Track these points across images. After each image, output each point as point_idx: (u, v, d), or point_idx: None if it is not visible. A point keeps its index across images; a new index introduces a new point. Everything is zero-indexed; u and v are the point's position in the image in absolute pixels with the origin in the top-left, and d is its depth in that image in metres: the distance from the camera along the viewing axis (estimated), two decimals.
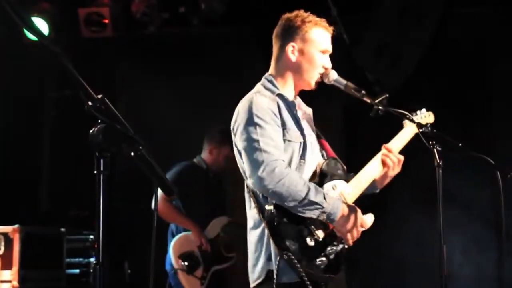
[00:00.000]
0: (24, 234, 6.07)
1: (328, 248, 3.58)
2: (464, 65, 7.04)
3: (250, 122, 3.57)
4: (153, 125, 7.23)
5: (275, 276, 3.50)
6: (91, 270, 6.64)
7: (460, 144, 3.78)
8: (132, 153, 2.26)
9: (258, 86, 3.79)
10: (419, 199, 6.63)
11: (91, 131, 2.20)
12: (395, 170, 3.88)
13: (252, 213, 3.70)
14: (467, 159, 3.98)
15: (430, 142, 3.66)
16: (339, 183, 3.72)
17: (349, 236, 3.60)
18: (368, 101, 3.72)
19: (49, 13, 7.39)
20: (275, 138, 3.57)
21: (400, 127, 4.03)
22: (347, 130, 7.26)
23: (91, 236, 6.74)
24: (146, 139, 2.32)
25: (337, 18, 6.56)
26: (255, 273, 3.66)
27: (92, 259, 6.66)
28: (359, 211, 3.65)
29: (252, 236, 3.70)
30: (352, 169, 3.94)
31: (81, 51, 7.34)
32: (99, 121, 2.21)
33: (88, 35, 7.57)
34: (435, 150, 3.63)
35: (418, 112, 4.23)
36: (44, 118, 8.16)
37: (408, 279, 7.04)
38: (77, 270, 6.64)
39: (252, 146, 3.53)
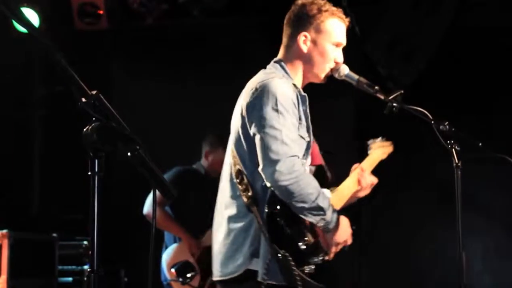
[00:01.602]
0: (13, 240, 6.07)
1: (314, 257, 3.58)
2: (483, 57, 7.01)
3: (274, 107, 3.50)
4: (151, 122, 7.22)
5: (261, 276, 3.47)
6: (85, 278, 6.63)
7: (480, 144, 3.77)
8: (128, 153, 2.24)
9: (272, 69, 3.73)
10: (436, 202, 6.61)
11: (84, 129, 2.18)
12: (365, 191, 3.89)
13: (238, 202, 3.62)
14: (487, 160, 3.96)
15: (448, 142, 3.64)
16: (326, 193, 3.71)
17: (334, 248, 3.61)
18: (382, 97, 3.70)
19: (40, 3, 7.38)
20: (294, 131, 3.54)
21: (419, 125, 4.00)
22: (359, 129, 7.25)
23: (85, 242, 6.74)
24: (143, 138, 2.30)
25: (347, 9, 6.55)
26: (229, 267, 3.60)
27: (86, 267, 6.66)
28: (348, 226, 3.66)
29: (233, 226, 3.62)
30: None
31: (73, 45, 7.32)
32: (93, 119, 2.19)
33: (82, 27, 7.56)
34: (453, 150, 3.62)
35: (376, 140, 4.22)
36: (34, 116, 8.15)
37: (426, 287, 7.02)
38: (70, 278, 6.64)
39: (272, 135, 3.47)
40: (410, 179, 6.64)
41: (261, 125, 3.51)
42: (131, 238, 7.09)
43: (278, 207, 3.50)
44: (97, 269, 2.18)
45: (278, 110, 3.50)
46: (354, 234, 3.72)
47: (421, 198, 6.84)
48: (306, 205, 3.47)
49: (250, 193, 3.57)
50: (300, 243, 3.53)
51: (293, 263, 3.43)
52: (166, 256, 6.06)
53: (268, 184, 3.49)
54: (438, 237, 6.83)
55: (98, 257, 2.20)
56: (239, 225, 3.60)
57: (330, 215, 3.52)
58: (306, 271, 3.53)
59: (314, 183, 3.51)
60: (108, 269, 6.64)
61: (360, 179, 3.86)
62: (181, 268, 5.97)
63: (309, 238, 3.56)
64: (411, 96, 3.85)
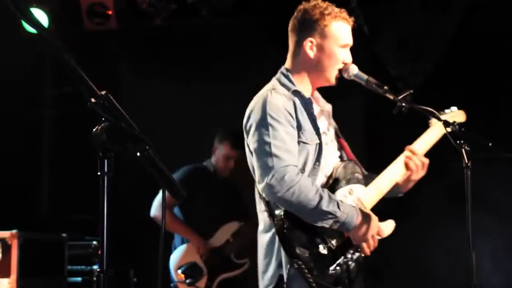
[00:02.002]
0: (22, 240, 6.07)
1: (343, 257, 3.56)
2: (492, 58, 6.99)
3: (263, 122, 3.54)
4: (159, 122, 7.22)
5: (284, 285, 3.48)
6: (94, 278, 6.64)
7: (490, 144, 3.75)
8: (138, 153, 2.24)
9: (274, 82, 3.76)
10: (446, 202, 6.59)
11: (94, 130, 2.19)
12: (419, 173, 3.85)
13: (263, 216, 3.70)
14: (497, 160, 3.95)
15: (458, 142, 3.63)
16: (356, 188, 3.70)
17: (365, 244, 3.58)
18: (391, 97, 3.69)
19: (49, 3, 7.39)
20: (288, 141, 3.53)
21: (427, 126, 4.00)
22: (368, 130, 7.23)
23: (94, 242, 6.74)
24: (151, 138, 2.30)
25: (357, 9, 6.54)
26: (265, 280, 3.66)
27: (96, 267, 6.66)
28: (375, 218, 3.64)
29: (263, 240, 3.69)
30: (373, 171, 3.92)
31: (82, 45, 7.33)
32: (103, 119, 2.20)
33: (91, 28, 7.57)
34: (463, 150, 3.60)
35: (446, 110, 4.17)
36: (43, 116, 8.16)
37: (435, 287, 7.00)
38: (79, 278, 6.64)
39: (262, 149, 3.51)
40: (419, 179, 6.61)
41: (254, 141, 3.56)
42: (140, 238, 7.10)
43: (288, 218, 3.51)
44: (106, 269, 2.18)
45: (268, 123, 3.53)
46: None
47: (431, 198, 6.82)
48: (309, 212, 3.47)
49: (267, 208, 3.62)
50: (321, 248, 3.52)
51: (306, 271, 3.43)
52: (174, 257, 6.05)
53: (266, 199, 3.52)
54: (448, 237, 6.81)
55: (108, 257, 2.20)
56: (266, 238, 3.67)
57: (344, 216, 3.50)
58: (330, 273, 3.52)
59: (314, 189, 3.48)
60: (117, 269, 6.65)
61: (408, 162, 3.83)
62: (188, 269, 5.96)
63: (332, 241, 3.54)
64: (421, 96, 3.84)
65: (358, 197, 3.67)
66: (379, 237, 3.64)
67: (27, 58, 7.40)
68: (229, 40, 7.70)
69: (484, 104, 6.84)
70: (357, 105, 7.22)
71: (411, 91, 3.70)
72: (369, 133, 7.20)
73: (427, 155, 3.91)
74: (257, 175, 3.55)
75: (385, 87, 3.72)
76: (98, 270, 2.21)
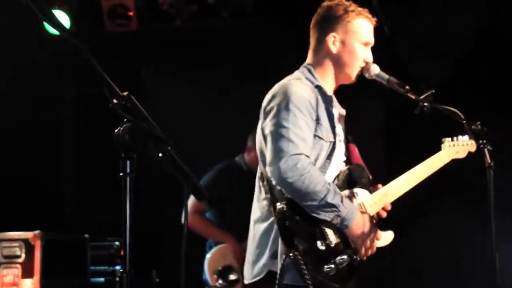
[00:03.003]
0: (46, 241, 6.10)
1: (339, 257, 3.56)
2: None
3: (285, 107, 3.54)
4: (180, 123, 7.22)
5: (278, 277, 3.47)
6: (117, 279, 6.66)
7: None
8: (160, 154, 2.25)
9: (298, 74, 3.76)
10: (468, 203, 6.55)
11: (116, 130, 2.19)
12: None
13: (261, 205, 3.67)
14: None
15: (480, 142, 3.61)
16: (360, 192, 3.71)
17: (362, 247, 3.59)
18: (413, 97, 3.68)
19: (71, 5, 7.42)
20: (306, 130, 3.54)
21: (450, 126, 3.97)
22: (389, 131, 7.20)
23: (116, 243, 6.75)
24: (173, 138, 2.31)
25: (378, 8, 6.52)
26: (254, 270, 3.65)
27: (118, 267, 6.68)
28: (375, 223, 3.66)
29: (257, 229, 3.67)
30: (393, 174, 3.91)
31: (104, 46, 7.36)
32: (125, 120, 2.20)
33: (112, 29, 7.59)
34: (485, 150, 3.58)
35: (459, 137, 4.12)
36: (65, 117, 8.20)
37: None
38: (102, 279, 6.66)
39: (279, 133, 3.51)
40: (441, 180, 6.58)
41: (272, 125, 3.56)
42: (163, 238, 7.12)
43: (291, 207, 3.50)
44: (129, 269, 2.19)
45: (289, 109, 3.53)
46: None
47: (454, 199, 6.79)
48: (315, 203, 3.47)
49: (269, 195, 3.59)
50: (318, 243, 3.52)
51: (302, 262, 3.42)
52: (209, 259, 5.97)
53: (274, 182, 3.50)
54: (471, 238, 6.76)
55: (130, 257, 2.21)
56: (262, 228, 3.65)
57: (345, 211, 3.51)
58: (325, 270, 3.50)
59: (322, 180, 3.48)
60: (140, 269, 6.67)
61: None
62: (223, 272, 5.89)
63: (330, 238, 3.55)
64: (443, 95, 3.82)
65: (362, 202, 3.68)
66: (378, 244, 3.64)
67: (48, 60, 7.44)
68: (250, 40, 7.70)
69: (507, 104, 6.80)
70: (378, 107, 7.19)
71: (433, 91, 3.69)
72: (390, 135, 7.16)
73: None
74: (268, 158, 3.53)
75: (407, 87, 3.71)
76: (121, 270, 2.22)
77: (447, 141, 4.04)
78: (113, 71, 2.36)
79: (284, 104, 3.55)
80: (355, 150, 3.86)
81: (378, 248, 3.71)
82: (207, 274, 5.91)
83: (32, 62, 7.14)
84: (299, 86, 3.61)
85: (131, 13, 7.55)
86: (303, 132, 3.52)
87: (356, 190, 3.70)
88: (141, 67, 8.14)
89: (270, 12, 7.57)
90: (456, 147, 4.02)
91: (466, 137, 4.02)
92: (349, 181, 3.69)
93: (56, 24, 2.19)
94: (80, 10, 7.51)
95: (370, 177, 3.81)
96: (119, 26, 7.59)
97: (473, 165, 3.74)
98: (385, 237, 3.73)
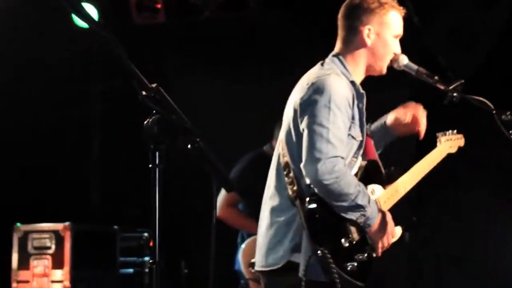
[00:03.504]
0: (75, 232, 6.16)
1: (360, 254, 3.56)
2: None
3: (326, 104, 3.50)
4: (208, 116, 7.24)
5: (302, 271, 3.47)
6: (146, 270, 6.69)
7: None
8: (189, 146, 2.25)
9: (331, 66, 3.71)
10: (498, 194, 6.51)
11: (145, 122, 2.21)
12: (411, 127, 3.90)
13: (283, 194, 3.64)
14: None
15: (511, 132, 3.58)
16: (377, 189, 3.72)
17: (380, 244, 3.59)
18: (442, 87, 3.66)
19: None
20: (343, 130, 3.52)
21: (475, 116, 3.95)
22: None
23: (145, 234, 6.79)
24: (202, 131, 2.31)
25: None
26: (269, 259, 3.64)
27: (147, 258, 6.71)
28: (391, 220, 3.65)
29: (275, 218, 3.65)
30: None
31: (132, 39, 7.38)
32: (154, 111, 2.21)
33: (140, 22, 7.61)
34: None
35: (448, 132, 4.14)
36: (94, 109, 8.25)
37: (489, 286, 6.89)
38: (131, 270, 6.69)
39: (319, 132, 3.47)
40: (470, 171, 6.55)
41: (311, 121, 3.51)
42: (192, 229, 7.14)
43: (320, 204, 3.50)
44: (159, 260, 2.21)
45: (330, 107, 3.50)
46: (415, 226, 3.70)
47: (483, 190, 6.74)
48: (345, 204, 3.47)
49: (295, 187, 3.57)
50: (342, 240, 3.53)
51: (331, 260, 3.42)
52: (244, 252, 5.95)
53: (308, 181, 3.50)
54: (499, 231, 6.73)
55: (160, 248, 2.22)
56: (281, 218, 3.63)
57: (370, 211, 3.52)
58: (348, 268, 3.52)
59: (354, 182, 3.50)
60: (169, 260, 6.70)
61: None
62: None
63: (353, 235, 3.55)
64: (472, 86, 3.80)
65: (378, 198, 3.68)
66: (393, 239, 3.65)
67: (76, 53, 7.48)
68: (278, 32, 7.67)
69: None
70: (404, 98, 7.14)
71: (462, 81, 3.67)
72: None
73: (476, 147, 3.87)
74: (305, 155, 3.49)
75: (436, 77, 3.69)
76: (150, 261, 2.24)
77: (441, 136, 4.06)
78: (141, 64, 2.37)
79: (325, 101, 3.50)
80: (370, 143, 3.84)
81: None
82: (242, 266, 5.91)
83: (60, 55, 7.18)
84: (339, 83, 3.58)
85: (158, 6, 7.56)
86: (341, 133, 3.51)
87: (373, 186, 3.70)
88: (169, 59, 8.15)
89: (299, 3, 7.53)
90: (449, 142, 4.06)
91: (455, 131, 4.06)
92: (365, 177, 3.68)
93: (85, 16, 2.20)
94: (107, 3, 7.54)
95: (384, 172, 3.81)
96: (146, 19, 7.61)
97: (503, 154, 3.72)
98: (397, 233, 3.74)
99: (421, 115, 3.92)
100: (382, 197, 3.70)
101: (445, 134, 4.09)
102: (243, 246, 5.97)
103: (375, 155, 3.83)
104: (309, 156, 3.48)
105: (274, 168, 3.74)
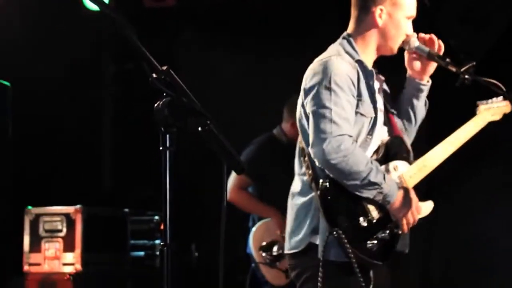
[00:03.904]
0: (86, 215, 6.18)
1: (381, 231, 3.56)
2: None
3: (327, 86, 3.54)
4: (220, 98, 7.22)
5: (321, 252, 3.49)
6: (157, 253, 6.71)
7: None
8: (199, 128, 2.25)
9: (337, 48, 3.72)
10: (504, 178, 6.50)
11: (155, 105, 2.21)
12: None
13: (302, 178, 3.69)
14: None
15: None
16: (401, 165, 3.71)
17: (404, 221, 3.58)
18: (454, 69, 3.65)
19: None
20: (348, 109, 3.54)
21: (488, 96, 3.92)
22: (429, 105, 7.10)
23: (156, 217, 6.80)
24: (212, 113, 2.31)
25: None
26: (291, 242, 3.68)
27: (158, 241, 6.74)
28: (415, 196, 3.63)
29: (296, 202, 3.71)
30: (433, 143, 3.89)
31: (142, 21, 7.36)
32: (164, 94, 2.21)
33: (150, 5, 7.60)
34: None
35: (493, 99, 4.06)
36: (104, 93, 8.25)
37: (497, 267, 6.87)
38: (142, 253, 6.72)
39: (322, 113, 3.51)
40: (480, 153, 6.52)
41: (313, 104, 3.56)
42: (203, 212, 7.14)
43: (334, 185, 3.52)
44: (170, 243, 2.21)
45: (331, 88, 3.52)
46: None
47: (492, 173, 6.73)
48: (357, 182, 3.49)
49: (310, 171, 3.61)
50: (361, 219, 3.53)
51: (345, 240, 3.44)
52: (254, 235, 5.94)
53: (317, 163, 3.51)
54: (507, 213, 6.70)
55: (171, 231, 2.23)
56: (301, 201, 3.68)
57: (387, 188, 3.52)
58: (368, 247, 3.53)
59: (365, 160, 3.50)
60: (179, 243, 6.73)
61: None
62: (268, 248, 5.87)
63: (372, 213, 3.56)
64: (484, 68, 3.78)
65: (402, 175, 3.68)
66: (419, 216, 3.64)
67: (87, 36, 7.47)
68: (292, 8, 7.61)
69: None
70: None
71: (474, 63, 3.65)
72: (430, 109, 7.06)
73: (486, 130, 3.85)
74: (311, 139, 3.54)
75: (447, 59, 3.68)
76: (161, 244, 2.24)
77: (481, 104, 4.00)
78: (151, 47, 2.37)
79: (326, 82, 3.54)
80: (394, 121, 3.85)
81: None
82: (252, 249, 5.91)
83: (71, 39, 7.18)
84: (340, 63, 3.60)
85: None
86: (345, 111, 3.52)
87: (396, 162, 3.69)
88: (179, 41, 8.13)
89: None
90: (491, 110, 3.98)
91: (500, 98, 3.98)
92: (389, 154, 3.69)
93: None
94: None
95: (410, 148, 3.80)
96: (157, 2, 7.59)
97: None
98: (425, 208, 3.73)
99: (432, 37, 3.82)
100: (407, 172, 3.70)
101: (486, 103, 4.00)
102: (253, 229, 5.97)
103: (399, 132, 3.83)
104: (314, 138, 3.52)
105: (296, 154, 3.77)
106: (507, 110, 4.01)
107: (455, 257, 6.95)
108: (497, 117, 4.00)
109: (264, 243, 5.87)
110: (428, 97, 3.94)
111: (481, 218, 6.79)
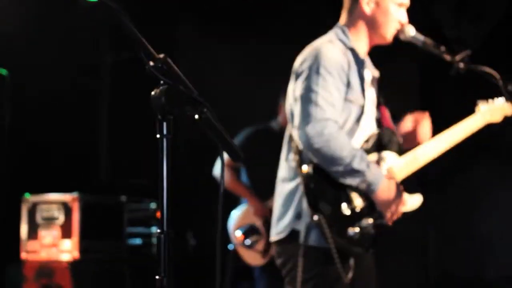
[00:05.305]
0: (83, 203, 6.19)
1: (364, 221, 3.56)
2: None
3: (316, 71, 3.55)
4: (217, 88, 7.21)
5: (302, 238, 3.49)
6: (153, 240, 6.73)
7: None
8: (196, 116, 2.25)
9: (331, 35, 3.74)
10: (504, 165, 6.50)
11: (153, 92, 2.20)
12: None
13: (288, 165, 3.69)
14: None
15: None
16: (389, 156, 3.70)
17: (388, 212, 3.57)
18: (448, 58, 3.65)
19: None
20: (335, 95, 3.54)
21: (487, 88, 3.92)
22: (424, 94, 7.12)
23: (153, 205, 6.82)
24: (210, 100, 2.31)
25: None
26: (277, 227, 3.70)
27: (154, 229, 6.75)
28: (402, 188, 3.63)
29: (283, 188, 3.71)
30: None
31: (138, 8, 7.33)
32: (161, 82, 2.21)
33: None
34: None
35: (494, 99, 4.06)
36: (101, 81, 8.24)
37: (493, 258, 6.88)
38: (139, 240, 6.73)
39: (308, 97, 3.52)
40: (477, 142, 6.52)
41: (301, 88, 3.57)
42: (199, 200, 7.15)
43: (317, 171, 3.52)
44: (167, 230, 2.21)
45: (319, 72, 3.54)
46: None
47: (489, 161, 6.73)
48: (340, 169, 3.48)
49: (297, 157, 3.60)
50: (343, 206, 3.53)
51: (325, 225, 3.44)
52: (232, 219, 6.06)
53: (300, 146, 3.51)
54: (506, 202, 6.72)
55: (168, 218, 2.23)
56: (287, 187, 3.68)
57: (371, 176, 3.51)
58: (349, 234, 3.52)
59: (349, 146, 3.48)
60: (176, 231, 6.73)
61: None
62: (246, 231, 5.96)
63: (356, 201, 3.55)
64: (479, 57, 3.78)
65: (390, 166, 3.67)
66: (404, 209, 3.63)
67: (84, 25, 7.45)
68: (294, 3, 7.59)
69: None
70: (413, 69, 7.11)
71: (469, 52, 3.66)
72: (425, 98, 7.09)
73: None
74: (296, 121, 3.55)
75: (442, 48, 3.68)
76: (158, 231, 2.24)
77: (481, 104, 3.99)
78: (149, 34, 2.36)
79: (315, 67, 3.55)
80: (386, 113, 3.85)
81: (412, 213, 3.72)
82: (230, 233, 5.99)
83: (68, 27, 7.17)
84: (331, 49, 3.61)
85: None
86: (332, 97, 3.52)
87: (384, 154, 3.69)
88: (177, 28, 8.11)
89: None
90: (492, 111, 3.98)
91: (502, 99, 3.96)
92: (379, 145, 3.69)
93: None
94: None
95: (401, 141, 3.80)
96: None
97: (509, 126, 3.71)
98: (413, 201, 3.72)
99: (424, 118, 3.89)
100: (396, 164, 3.69)
101: (487, 102, 4.01)
102: (232, 214, 6.04)
103: (391, 124, 3.83)
104: (299, 120, 3.52)
105: (285, 140, 3.76)
106: (508, 112, 4.01)
107: (453, 252, 6.97)
108: (496, 118, 4.00)
109: (241, 225, 5.96)
110: (428, 94, 3.95)
111: (480, 212, 6.81)
